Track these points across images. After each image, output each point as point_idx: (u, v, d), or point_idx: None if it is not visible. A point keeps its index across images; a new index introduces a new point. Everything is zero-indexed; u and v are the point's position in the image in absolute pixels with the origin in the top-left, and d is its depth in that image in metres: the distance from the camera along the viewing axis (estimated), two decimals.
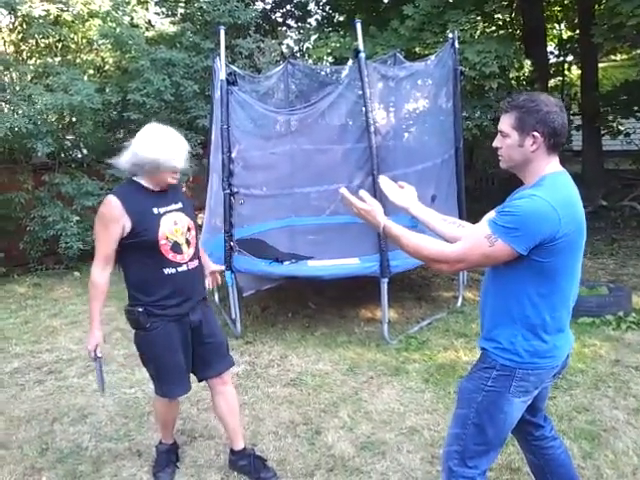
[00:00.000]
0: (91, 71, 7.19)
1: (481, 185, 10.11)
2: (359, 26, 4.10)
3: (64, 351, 4.49)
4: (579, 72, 11.05)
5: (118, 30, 6.41)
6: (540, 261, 1.75)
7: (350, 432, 3.14)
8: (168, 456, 2.86)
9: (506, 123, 1.83)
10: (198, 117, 7.00)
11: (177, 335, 2.51)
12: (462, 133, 5.08)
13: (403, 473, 2.77)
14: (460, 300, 5.19)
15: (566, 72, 11.68)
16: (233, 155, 4.40)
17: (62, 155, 6.98)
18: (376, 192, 4.17)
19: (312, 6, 13.44)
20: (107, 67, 7.43)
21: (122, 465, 2.93)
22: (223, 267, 2.84)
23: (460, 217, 5.06)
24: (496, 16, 7.83)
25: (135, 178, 2.47)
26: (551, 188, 1.76)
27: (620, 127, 8.63)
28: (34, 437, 3.22)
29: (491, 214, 1.88)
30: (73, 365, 4.20)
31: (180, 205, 2.54)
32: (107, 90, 6.79)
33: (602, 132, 8.70)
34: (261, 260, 4.54)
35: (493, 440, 1.96)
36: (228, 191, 4.38)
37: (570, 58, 11.00)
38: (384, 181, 2.26)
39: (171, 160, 2.38)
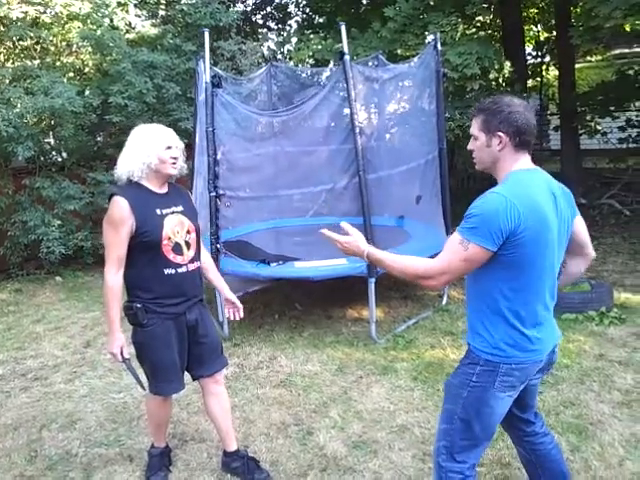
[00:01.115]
0: (71, 74, 7.10)
1: (463, 185, 10.22)
2: (344, 28, 4.13)
3: (49, 357, 4.43)
4: (556, 73, 11.25)
5: (99, 32, 6.36)
6: (506, 254, 1.80)
7: (341, 431, 3.16)
8: (161, 460, 2.85)
9: (475, 126, 1.94)
10: (180, 119, 6.97)
11: (173, 333, 2.53)
12: (445, 134, 5.14)
13: (395, 471, 2.79)
14: (445, 299, 5.24)
15: (544, 73, 11.86)
16: (218, 157, 4.40)
17: (42, 159, 6.90)
18: (362, 192, 4.25)
19: (292, 8, 13.49)
20: (87, 70, 7.35)
21: (113, 470, 2.91)
22: (236, 299, 2.84)
23: (444, 217, 5.13)
24: (476, 18, 7.93)
25: (137, 181, 2.47)
26: (512, 185, 1.83)
27: (598, 126, 8.79)
28: (22, 445, 3.18)
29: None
30: (59, 371, 4.15)
31: (182, 208, 2.56)
32: (87, 93, 6.71)
33: (580, 131, 8.85)
34: (248, 262, 4.54)
35: (480, 435, 1.99)
36: (214, 193, 4.38)
37: (547, 59, 11.17)
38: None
39: (162, 141, 2.42)
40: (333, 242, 2.04)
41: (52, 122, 6.69)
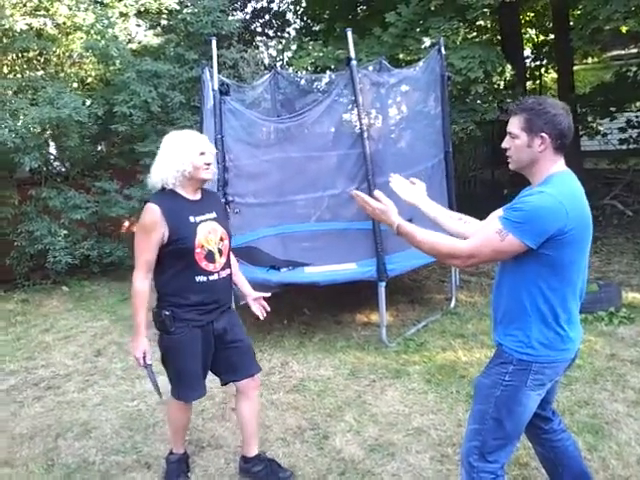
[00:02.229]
0: (75, 84, 7.13)
1: (465, 189, 10.25)
2: (350, 34, 4.16)
3: (60, 366, 4.44)
4: (554, 75, 11.31)
5: (103, 42, 6.39)
6: (549, 255, 1.82)
7: (357, 435, 3.17)
8: (179, 466, 2.85)
9: (515, 125, 1.91)
10: (184, 128, 6.97)
11: (200, 342, 2.54)
12: (451, 137, 5.18)
13: (414, 473, 2.80)
14: (453, 302, 5.26)
15: (542, 75, 11.92)
16: (227, 164, 4.42)
17: (46, 169, 6.93)
18: (371, 196, 4.26)
19: (290, 16, 13.56)
20: (90, 80, 7.38)
21: (131, 478, 2.92)
22: (258, 293, 2.83)
23: None
24: (477, 23, 7.98)
25: (170, 187, 2.47)
26: (559, 185, 1.84)
27: (600, 127, 8.85)
28: (39, 454, 3.18)
29: (499, 212, 1.96)
30: (71, 380, 4.16)
31: (215, 214, 2.56)
32: (90, 103, 6.74)
33: (580, 133, 8.90)
34: (257, 268, 4.56)
35: (511, 433, 2.01)
36: (224, 200, 4.40)
37: (545, 62, 11.22)
38: (395, 179, 2.33)
39: (195, 148, 2.42)
40: (364, 204, 2.04)
41: (55, 132, 6.71)
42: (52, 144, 7.18)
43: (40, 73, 6.88)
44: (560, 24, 8.55)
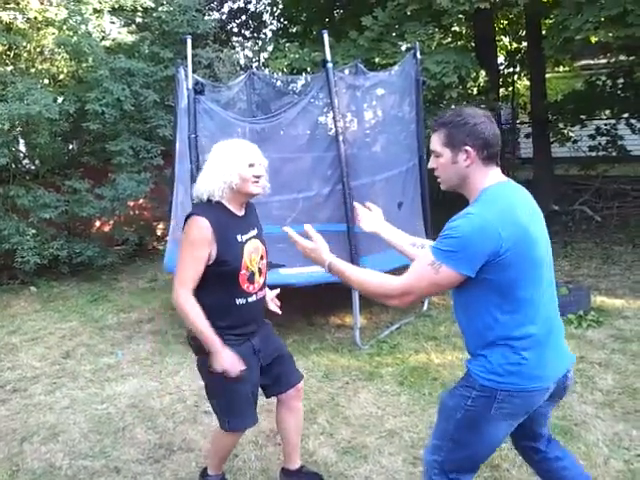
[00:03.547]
0: (46, 80, 6.99)
1: (439, 194, 10.34)
2: (326, 36, 4.17)
3: (27, 368, 4.33)
4: (526, 82, 11.49)
5: (75, 39, 6.27)
6: (492, 279, 1.70)
7: (330, 438, 3.16)
8: None
9: (436, 142, 1.79)
10: (158, 126, 6.91)
11: (244, 360, 2.31)
12: (425, 142, 5.21)
13: (387, 476, 2.80)
14: (426, 304, 5.29)
15: (515, 82, 12.11)
16: (200, 164, 4.37)
17: (15, 166, 6.77)
18: (346, 199, 4.27)
19: (267, 17, 13.53)
20: (62, 76, 7.24)
21: None
22: (275, 293, 2.65)
23: (425, 223, 5.20)
24: (452, 28, 8.07)
25: (217, 200, 2.28)
26: (488, 202, 1.72)
27: (571, 133, 9.04)
28: (3, 459, 3.10)
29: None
30: (38, 382, 4.06)
31: (256, 231, 2.39)
32: (61, 100, 6.61)
33: (551, 139, 9.07)
34: None
35: (473, 457, 1.90)
36: (196, 201, 4.34)
37: (518, 69, 11.41)
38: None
39: (245, 159, 2.24)
40: (295, 243, 1.97)
41: (25, 129, 6.57)
42: (21, 141, 7.03)
43: (10, 68, 6.71)
44: (533, 33, 8.71)
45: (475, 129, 1.73)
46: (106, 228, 7.59)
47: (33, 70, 6.90)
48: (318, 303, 5.29)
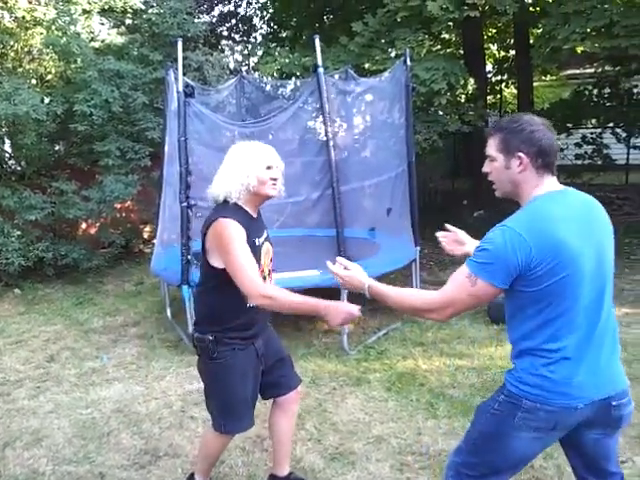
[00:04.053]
0: (33, 81, 6.92)
1: (425, 200, 10.40)
2: (318, 41, 4.18)
3: (10, 372, 4.27)
4: (513, 90, 11.62)
5: (64, 39, 6.22)
6: (525, 291, 1.69)
7: (318, 444, 3.15)
8: None
9: (492, 146, 1.80)
10: (147, 129, 6.86)
11: (246, 364, 2.33)
12: (414, 148, 5.24)
13: None
14: None
15: (502, 90, 12.25)
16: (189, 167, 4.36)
17: (0, 167, 6.69)
18: (335, 204, 4.28)
19: (257, 21, 13.55)
20: (50, 77, 7.18)
21: None
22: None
23: (413, 229, 5.21)
24: (442, 36, 8.14)
25: (236, 202, 2.25)
26: (525, 214, 1.72)
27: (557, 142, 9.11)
28: None
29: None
30: (22, 386, 4.00)
31: (266, 233, 2.40)
32: (49, 100, 6.55)
33: None
34: None
35: (490, 464, 1.85)
36: (185, 204, 4.33)
37: (506, 77, 11.54)
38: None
39: (262, 161, 2.23)
40: (335, 276, 1.99)
41: (11, 129, 6.50)
42: (7, 142, 6.96)
43: None
44: (521, 42, 8.82)
45: (531, 136, 1.72)
46: (92, 230, 7.52)
47: (20, 70, 6.84)
48: None
